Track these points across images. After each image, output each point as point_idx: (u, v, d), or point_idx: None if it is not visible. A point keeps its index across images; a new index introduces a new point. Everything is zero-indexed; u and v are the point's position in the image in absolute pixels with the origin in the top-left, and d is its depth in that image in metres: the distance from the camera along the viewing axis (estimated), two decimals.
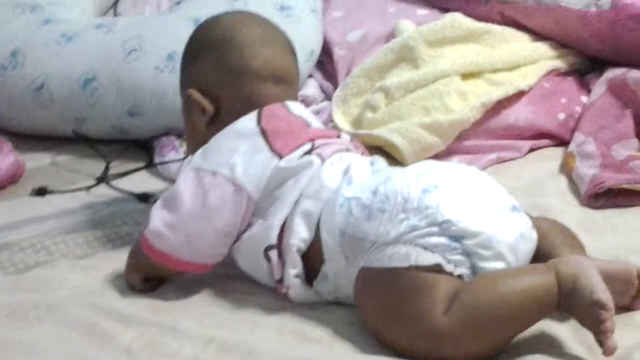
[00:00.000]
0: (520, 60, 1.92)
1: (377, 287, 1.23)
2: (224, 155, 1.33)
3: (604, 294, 1.16)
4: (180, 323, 1.28)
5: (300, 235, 1.30)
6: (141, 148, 1.83)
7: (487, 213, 1.24)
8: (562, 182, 1.70)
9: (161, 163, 1.75)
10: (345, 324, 1.28)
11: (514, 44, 1.95)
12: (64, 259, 1.48)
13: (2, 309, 1.31)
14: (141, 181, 1.72)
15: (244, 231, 1.34)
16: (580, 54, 1.97)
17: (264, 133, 1.35)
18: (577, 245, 1.32)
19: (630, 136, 1.76)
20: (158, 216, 1.32)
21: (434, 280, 1.20)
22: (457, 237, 1.22)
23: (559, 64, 1.95)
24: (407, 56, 1.90)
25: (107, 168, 1.76)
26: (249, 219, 1.33)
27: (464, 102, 1.82)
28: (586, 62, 1.98)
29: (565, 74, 1.95)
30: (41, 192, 1.70)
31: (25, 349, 1.22)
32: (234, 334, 1.26)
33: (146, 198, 1.64)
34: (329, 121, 1.86)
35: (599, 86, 1.87)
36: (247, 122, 1.36)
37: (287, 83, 1.43)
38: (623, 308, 1.27)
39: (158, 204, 1.34)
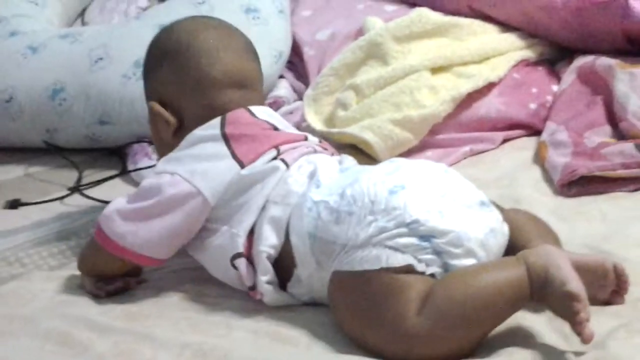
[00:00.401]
0: (489, 52, 1.92)
1: (350, 291, 1.23)
2: (185, 161, 1.34)
3: (575, 284, 1.16)
4: (155, 330, 1.28)
5: (269, 241, 1.29)
6: (114, 156, 1.83)
7: (456, 210, 1.23)
8: (536, 171, 1.70)
9: (134, 170, 1.75)
10: (320, 323, 1.28)
11: (483, 36, 1.96)
12: (38, 271, 1.47)
13: None
14: (115, 189, 1.72)
15: (207, 238, 1.34)
16: (548, 43, 1.98)
17: (226, 139, 1.35)
18: (552, 237, 1.32)
19: (601, 123, 1.76)
20: (114, 204, 1.34)
21: (405, 281, 1.20)
22: (427, 237, 1.21)
23: (528, 54, 1.95)
24: (375, 53, 1.90)
25: (80, 177, 1.76)
26: (212, 226, 1.33)
27: (434, 97, 1.82)
28: (555, 51, 1.98)
29: (535, 63, 1.96)
30: (14, 204, 1.69)
31: None
32: (209, 338, 1.26)
33: None
34: (302, 121, 1.86)
35: (569, 74, 1.88)
36: (210, 129, 1.36)
37: (248, 87, 1.42)
38: (603, 302, 1.27)
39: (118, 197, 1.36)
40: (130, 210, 1.32)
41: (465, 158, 1.78)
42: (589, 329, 1.15)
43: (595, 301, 1.23)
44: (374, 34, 1.91)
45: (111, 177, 1.75)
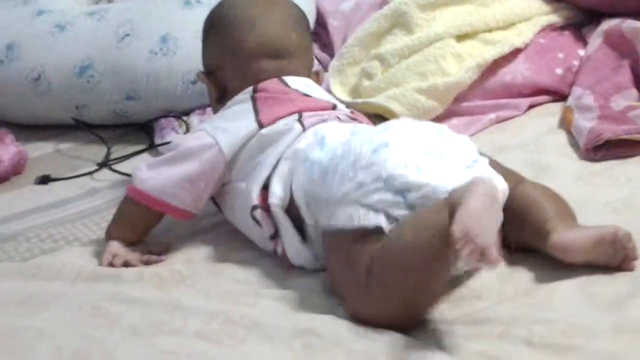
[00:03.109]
0: (514, 18, 1.91)
1: (331, 248, 1.27)
2: (215, 119, 1.47)
3: (457, 225, 1.11)
4: (184, 299, 1.30)
5: (277, 194, 1.35)
6: (141, 131, 1.84)
7: (437, 166, 1.24)
8: (562, 137, 1.69)
9: (162, 144, 1.76)
10: None
11: (508, 2, 1.94)
12: (68, 246, 1.50)
13: (9, 296, 1.33)
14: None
15: (232, 196, 1.41)
16: (574, 7, 1.96)
17: (254, 101, 1.43)
18: (569, 215, 1.32)
19: (628, 87, 1.75)
20: (146, 161, 1.46)
21: (364, 246, 1.21)
22: (401, 191, 1.22)
23: (554, 18, 1.94)
24: (400, 22, 1.89)
25: (108, 152, 1.78)
26: (234, 184, 1.41)
27: (459, 64, 1.82)
28: (581, 15, 1.96)
29: (561, 28, 1.94)
30: (44, 180, 1.72)
31: (33, 334, 1.24)
32: (237, 307, 1.27)
33: None
34: (328, 92, 1.87)
35: (595, 38, 1.87)
36: (243, 94, 1.45)
37: (285, 57, 1.48)
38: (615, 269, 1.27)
39: None
40: (155, 160, 1.44)
41: (491, 125, 1.78)
42: (487, 259, 1.11)
43: (610, 268, 1.25)
44: (399, 2, 1.91)
45: (139, 152, 1.77)
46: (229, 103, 1.46)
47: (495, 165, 1.33)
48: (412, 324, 1.21)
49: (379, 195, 1.23)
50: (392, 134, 1.28)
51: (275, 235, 1.36)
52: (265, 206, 1.36)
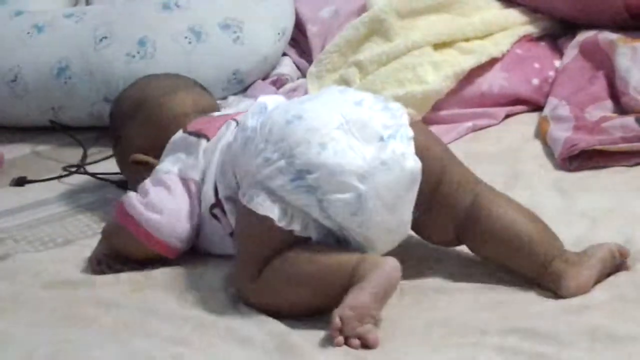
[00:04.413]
0: (491, 28, 1.92)
1: (240, 216, 1.30)
2: (167, 163, 1.43)
3: (338, 313, 1.18)
4: (159, 305, 1.30)
5: (222, 184, 1.35)
6: None
7: (342, 143, 1.24)
8: (537, 146, 1.71)
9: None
10: None
11: (485, 12, 1.96)
12: (43, 248, 1.49)
13: None
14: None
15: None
16: (551, 18, 1.97)
17: (189, 133, 1.44)
18: (553, 237, 1.30)
19: (603, 98, 1.77)
20: (132, 196, 1.40)
21: (262, 235, 1.25)
22: (301, 171, 1.23)
23: (531, 29, 1.95)
24: (378, 29, 1.90)
25: (84, 155, 1.78)
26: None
27: (437, 73, 1.83)
28: (558, 26, 1.98)
29: (538, 39, 1.96)
30: (20, 182, 1.71)
31: (3, 336, 1.24)
32: (212, 312, 1.28)
33: (125, 184, 1.65)
34: None
35: (571, 49, 1.88)
36: (174, 138, 1.46)
37: (204, 111, 1.52)
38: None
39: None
40: (148, 202, 1.39)
41: (467, 133, 1.79)
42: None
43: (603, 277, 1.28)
44: (378, 10, 1.92)
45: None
46: (164, 152, 1.45)
47: (449, 156, 1.34)
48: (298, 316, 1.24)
49: (280, 179, 1.24)
50: (309, 105, 1.29)
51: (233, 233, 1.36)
52: (218, 202, 1.36)
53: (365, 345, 1.18)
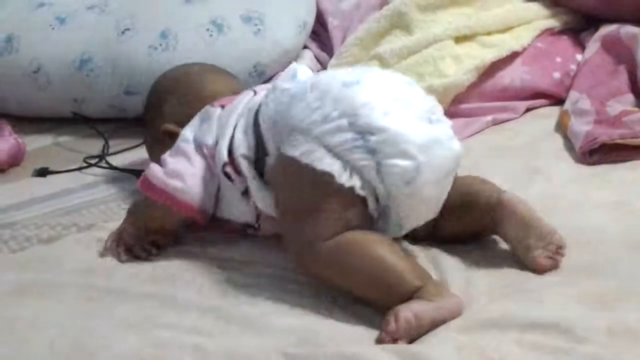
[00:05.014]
0: (513, 21, 1.92)
1: (286, 174, 1.29)
2: (186, 131, 1.46)
3: (404, 311, 1.19)
4: (178, 294, 1.31)
5: (242, 144, 1.37)
6: (139, 126, 1.85)
7: (402, 115, 1.26)
8: (558, 140, 1.71)
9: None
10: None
11: (507, 5, 1.96)
12: (65, 238, 1.50)
13: (4, 286, 1.34)
14: (141, 158, 1.74)
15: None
16: (573, 12, 1.97)
17: (212, 104, 1.47)
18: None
19: (624, 92, 1.76)
20: (153, 167, 1.42)
21: (326, 194, 1.25)
22: (363, 132, 1.24)
23: (553, 23, 1.95)
24: (399, 22, 1.90)
25: (106, 146, 1.79)
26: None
27: (458, 66, 1.83)
28: (579, 20, 1.98)
29: (559, 32, 1.96)
30: (42, 172, 1.73)
31: (26, 323, 1.25)
32: (232, 303, 1.29)
33: None
34: None
35: (593, 43, 1.88)
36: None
37: (236, 94, 1.53)
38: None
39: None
40: (169, 169, 1.41)
41: (488, 127, 1.79)
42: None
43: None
44: (399, 3, 1.92)
45: (137, 146, 1.78)
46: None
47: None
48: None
49: (340, 136, 1.25)
50: (365, 74, 1.31)
51: (247, 192, 1.38)
52: (234, 164, 1.38)
53: None
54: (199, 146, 1.42)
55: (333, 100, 1.26)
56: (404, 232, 1.31)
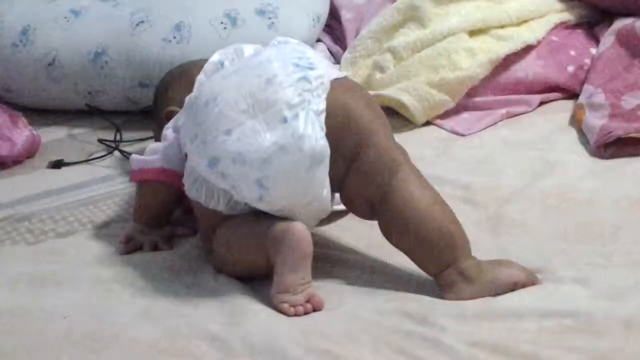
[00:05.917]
0: (527, 15, 1.92)
1: None
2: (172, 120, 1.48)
3: (275, 300, 1.25)
4: (196, 284, 1.32)
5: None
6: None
7: (247, 128, 1.27)
8: (572, 134, 1.70)
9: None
10: None
11: None
12: (81, 229, 1.51)
13: (22, 276, 1.35)
14: None
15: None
16: (587, 5, 1.96)
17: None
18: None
19: (639, 86, 1.76)
20: (134, 156, 1.47)
21: (201, 211, 1.34)
22: (213, 158, 1.28)
23: (567, 16, 1.95)
24: (413, 15, 1.90)
25: (119, 135, 1.79)
26: None
27: (471, 59, 1.83)
28: (594, 13, 1.97)
29: (574, 26, 1.95)
30: (57, 164, 1.73)
31: (45, 315, 1.26)
32: (249, 292, 1.29)
33: None
34: None
35: (608, 37, 1.87)
36: None
37: None
38: None
39: None
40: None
41: (501, 120, 1.79)
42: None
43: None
44: None
45: (149, 138, 1.78)
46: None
47: (375, 128, 1.31)
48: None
49: (201, 163, 1.30)
50: (225, 84, 1.32)
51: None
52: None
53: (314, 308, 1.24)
54: (177, 130, 1.43)
55: (199, 125, 1.32)
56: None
